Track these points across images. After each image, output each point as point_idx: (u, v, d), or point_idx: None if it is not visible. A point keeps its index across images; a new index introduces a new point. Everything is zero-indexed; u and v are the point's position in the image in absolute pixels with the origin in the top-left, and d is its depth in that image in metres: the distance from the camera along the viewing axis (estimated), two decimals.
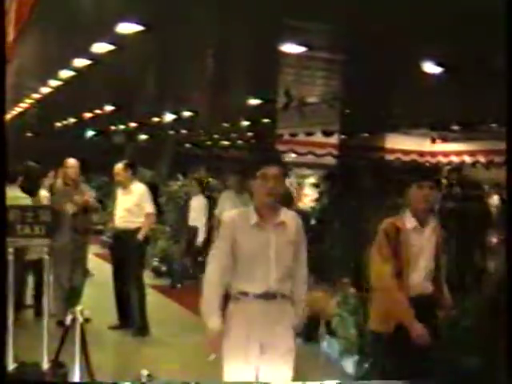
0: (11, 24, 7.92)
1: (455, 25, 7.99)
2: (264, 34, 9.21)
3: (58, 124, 27.17)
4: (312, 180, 22.32)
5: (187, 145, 31.29)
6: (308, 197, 20.16)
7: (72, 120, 24.92)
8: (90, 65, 11.27)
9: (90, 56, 10.70)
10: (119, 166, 9.87)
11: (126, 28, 8.72)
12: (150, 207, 9.77)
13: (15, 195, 10.48)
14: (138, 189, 9.87)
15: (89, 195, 10.14)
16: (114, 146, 29.14)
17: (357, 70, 11.40)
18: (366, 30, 8.48)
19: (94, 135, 30.66)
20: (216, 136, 27.99)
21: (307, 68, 11.84)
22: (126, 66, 12.29)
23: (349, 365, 8.09)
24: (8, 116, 25.60)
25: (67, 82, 13.46)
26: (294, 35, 9.11)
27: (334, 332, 8.64)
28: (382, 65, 10.56)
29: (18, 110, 22.70)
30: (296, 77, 13.01)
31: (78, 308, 5.67)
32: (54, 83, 14.41)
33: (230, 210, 12.02)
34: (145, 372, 4.27)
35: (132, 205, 9.75)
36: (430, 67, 10.00)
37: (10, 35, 8.12)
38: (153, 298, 11.06)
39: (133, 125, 25.12)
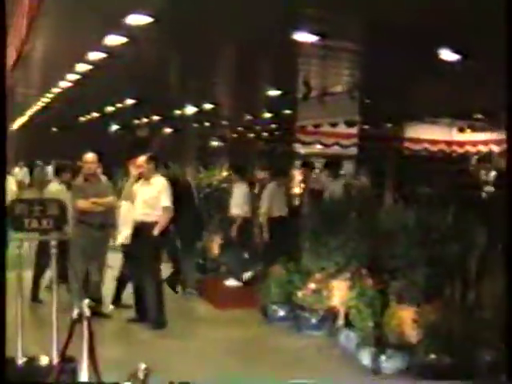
0: (22, 17, 7.84)
1: (477, 10, 7.83)
2: (282, 23, 9.08)
3: (82, 118, 27.23)
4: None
5: (211, 138, 31.18)
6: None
7: (95, 114, 24.94)
8: (105, 58, 11.19)
9: (105, 49, 10.63)
10: (142, 159, 9.86)
11: (139, 20, 8.63)
12: (166, 201, 9.70)
13: (56, 189, 10.62)
14: (158, 182, 9.82)
15: (110, 194, 10.18)
16: (138, 140, 29.15)
17: (378, 58, 11.24)
18: (387, 18, 8.33)
19: (119, 129, 30.68)
20: (240, 128, 27.85)
21: (327, 58, 11.69)
22: (144, 59, 12.21)
23: (365, 357, 7.96)
24: (31, 112, 25.75)
25: (84, 76, 13.42)
26: (312, 24, 8.97)
27: (352, 324, 8.54)
28: (405, 53, 10.41)
29: (40, 105, 22.76)
30: (316, 67, 12.86)
31: (86, 302, 5.57)
32: (71, 77, 14.38)
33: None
34: (142, 365, 4.17)
35: (150, 197, 9.70)
36: (451, 55, 9.78)
37: (22, 29, 8.03)
38: None
39: (155, 118, 25.08)
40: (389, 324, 7.99)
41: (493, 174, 26.60)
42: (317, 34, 9.04)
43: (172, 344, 8.97)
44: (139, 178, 10.02)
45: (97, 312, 9.66)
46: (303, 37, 9.13)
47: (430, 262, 8.31)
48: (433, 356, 7.49)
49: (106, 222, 10.00)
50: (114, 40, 9.87)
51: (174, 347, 8.82)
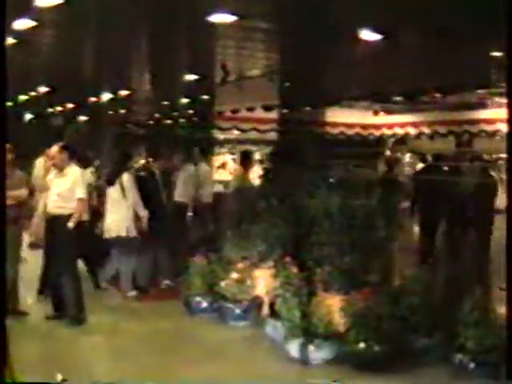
0: None
1: None
2: (195, 3, 8.75)
3: None
4: (257, 157, 22.07)
5: (128, 125, 30.59)
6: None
7: (8, 103, 24.12)
8: (14, 44, 10.65)
9: (13, 34, 10.11)
10: (55, 149, 9.49)
11: (47, 1, 8.15)
12: (81, 192, 9.35)
13: None
14: (73, 172, 9.45)
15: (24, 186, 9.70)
16: (52, 129, 28.39)
17: (294, 40, 11.04)
18: None
19: (33, 118, 29.84)
20: (157, 115, 27.41)
21: (242, 40, 11.43)
22: (54, 43, 11.73)
23: (293, 348, 7.75)
24: None
25: None
26: (225, 3, 8.67)
27: (278, 314, 8.32)
28: (320, 34, 10.22)
29: None
30: (232, 50, 12.56)
31: None
32: None
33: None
34: (59, 376, 3.87)
35: (64, 189, 9.33)
36: (369, 34, 9.60)
37: None
38: None
39: (70, 106, 24.44)
40: (316, 313, 7.80)
41: (407, 155, 26.98)
42: (233, 15, 8.73)
43: (91, 340, 8.72)
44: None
45: (14, 309, 9.34)
46: (220, 17, 8.80)
47: (355, 248, 8.20)
48: (362, 345, 7.35)
49: (18, 215, 9.55)
50: (22, 24, 9.36)
51: (94, 343, 8.60)
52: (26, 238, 10.19)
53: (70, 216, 9.19)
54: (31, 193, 10.14)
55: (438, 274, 8.07)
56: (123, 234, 10.74)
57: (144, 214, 10.83)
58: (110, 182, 10.97)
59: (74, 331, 8.96)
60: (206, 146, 18.47)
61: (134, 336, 8.86)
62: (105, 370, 7.72)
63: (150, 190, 11.15)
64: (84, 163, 11.00)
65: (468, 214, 11.85)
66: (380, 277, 8.15)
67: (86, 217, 9.90)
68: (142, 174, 11.52)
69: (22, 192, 9.64)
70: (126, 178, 10.83)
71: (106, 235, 10.90)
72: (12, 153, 9.74)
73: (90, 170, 11.54)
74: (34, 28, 9.51)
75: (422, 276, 8.09)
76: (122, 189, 10.77)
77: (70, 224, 9.12)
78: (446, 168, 14.09)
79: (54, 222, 9.33)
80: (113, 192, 10.88)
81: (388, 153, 26.43)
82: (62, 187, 9.36)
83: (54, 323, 9.30)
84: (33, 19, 9.33)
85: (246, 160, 13.87)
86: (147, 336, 8.85)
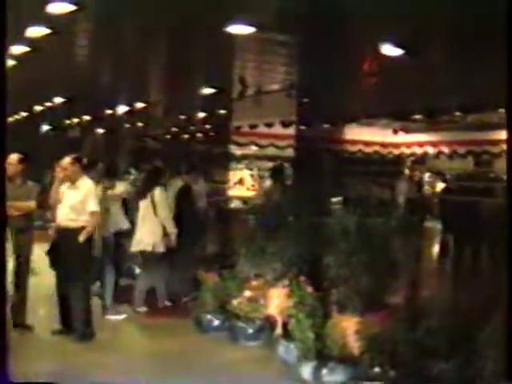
0: None
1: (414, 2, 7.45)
2: (213, 14, 8.55)
3: (10, 119, 26.25)
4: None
5: (144, 139, 30.49)
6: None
7: (24, 114, 24.04)
8: (28, 52, 10.49)
9: (27, 42, 9.95)
10: (67, 160, 9.39)
11: (61, 8, 7.95)
12: (93, 205, 9.21)
13: None
14: (85, 185, 9.33)
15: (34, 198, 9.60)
16: (69, 141, 28.34)
17: (313, 55, 10.83)
18: (327, 9, 7.89)
19: (50, 129, 29.78)
20: (174, 129, 27.27)
21: (261, 53, 11.23)
22: (69, 53, 11.57)
23: (306, 370, 7.50)
24: None
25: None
26: (244, 14, 8.46)
27: (291, 335, 8.07)
28: (340, 49, 10.03)
29: None
30: (250, 63, 12.35)
31: None
32: None
33: None
34: None
35: (76, 201, 9.21)
36: (390, 49, 9.38)
37: None
38: None
39: (87, 118, 24.32)
40: (330, 335, 7.55)
41: (427, 175, 26.71)
42: (252, 26, 8.51)
43: (99, 357, 8.42)
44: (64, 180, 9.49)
45: (21, 323, 9.18)
46: (238, 29, 8.58)
47: (372, 270, 7.94)
48: (377, 369, 7.09)
49: (25, 226, 9.39)
50: (35, 32, 9.17)
51: (102, 360, 8.29)
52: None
53: (81, 229, 9.06)
54: (41, 205, 9.99)
55: (459, 295, 7.75)
56: (149, 248, 10.60)
57: (173, 230, 10.70)
58: (142, 196, 10.86)
59: (80, 346, 8.76)
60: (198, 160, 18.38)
61: (140, 353, 8.67)
62: None
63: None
64: (113, 175, 11.06)
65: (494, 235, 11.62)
66: (398, 299, 7.90)
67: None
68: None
69: (30, 204, 9.51)
70: (158, 192, 10.72)
71: (134, 249, 10.79)
72: (24, 163, 9.63)
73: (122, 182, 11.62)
74: (47, 36, 9.29)
75: (441, 299, 7.82)
76: (153, 203, 10.62)
77: (82, 237, 8.97)
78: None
79: (64, 235, 9.18)
80: (144, 206, 10.76)
81: (407, 172, 26.21)
82: (73, 199, 9.24)
83: (60, 338, 9.15)
84: (47, 27, 9.14)
85: (278, 175, 13.43)
86: (154, 354, 8.66)
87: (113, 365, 8.11)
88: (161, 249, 10.61)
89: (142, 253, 10.73)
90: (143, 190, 11.01)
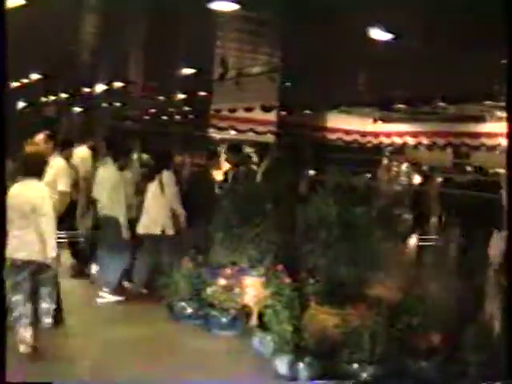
0: None
1: None
2: None
3: None
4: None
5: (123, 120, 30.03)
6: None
7: None
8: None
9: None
10: (39, 137, 9.30)
11: None
12: (63, 184, 8.92)
13: None
14: (56, 164, 8.99)
15: None
16: (45, 119, 27.84)
17: (297, 37, 10.54)
18: None
19: (24, 107, 29.26)
20: (153, 110, 26.91)
21: (244, 33, 10.91)
22: (45, 27, 11.21)
23: (281, 364, 7.21)
24: None
25: None
26: None
27: (266, 327, 7.79)
28: (326, 33, 9.76)
29: None
30: (233, 43, 12.00)
31: None
32: None
33: None
34: None
35: (47, 180, 8.79)
36: (377, 33, 9.10)
37: None
38: None
39: (64, 96, 23.90)
40: (308, 328, 7.26)
41: (405, 165, 26.52)
42: (235, 3, 8.19)
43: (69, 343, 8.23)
44: None
45: None
46: (221, 5, 8.24)
47: (352, 260, 7.67)
48: (355, 365, 6.82)
49: None
50: (11, 2, 8.81)
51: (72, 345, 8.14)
52: None
53: None
54: None
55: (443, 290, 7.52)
56: (157, 231, 10.35)
57: (181, 212, 10.52)
58: (150, 178, 10.63)
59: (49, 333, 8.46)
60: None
61: (110, 340, 8.37)
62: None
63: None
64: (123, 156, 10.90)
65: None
66: (377, 292, 7.65)
67: None
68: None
69: None
70: (166, 175, 10.47)
71: (141, 231, 10.49)
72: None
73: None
74: (22, 7, 8.95)
75: (422, 294, 7.58)
76: (161, 186, 10.39)
77: None
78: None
79: None
80: (152, 188, 10.52)
81: (385, 161, 26.05)
82: (45, 178, 8.86)
83: None
84: None
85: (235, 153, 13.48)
86: (123, 341, 8.39)
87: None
88: (170, 231, 10.39)
89: (149, 235, 10.46)
90: (151, 173, 10.78)
